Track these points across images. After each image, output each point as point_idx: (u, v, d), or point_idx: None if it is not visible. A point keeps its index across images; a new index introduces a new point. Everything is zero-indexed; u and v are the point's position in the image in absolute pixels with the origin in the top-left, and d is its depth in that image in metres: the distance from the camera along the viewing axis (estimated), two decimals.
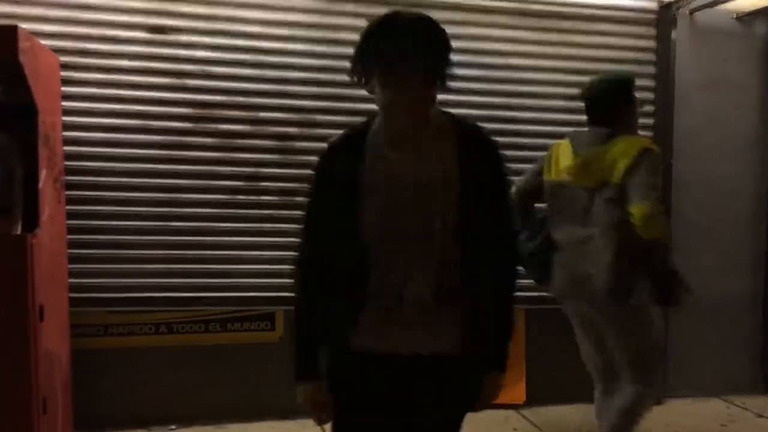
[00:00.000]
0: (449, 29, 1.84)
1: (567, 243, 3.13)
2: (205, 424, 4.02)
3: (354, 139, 1.91)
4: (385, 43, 1.76)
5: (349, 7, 4.09)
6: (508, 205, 2.01)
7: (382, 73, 1.76)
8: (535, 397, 4.44)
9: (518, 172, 3.43)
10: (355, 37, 1.83)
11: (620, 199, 2.91)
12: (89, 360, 3.87)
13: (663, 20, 4.55)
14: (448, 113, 1.94)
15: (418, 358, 1.86)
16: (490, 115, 4.27)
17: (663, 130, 4.58)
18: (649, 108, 4.50)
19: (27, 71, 3.07)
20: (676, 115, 4.63)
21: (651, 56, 4.58)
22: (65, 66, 3.71)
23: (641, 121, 3.60)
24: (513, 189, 3.16)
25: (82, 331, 3.89)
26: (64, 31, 3.77)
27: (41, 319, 3.19)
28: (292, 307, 1.95)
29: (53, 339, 3.38)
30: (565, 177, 3.11)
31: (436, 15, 1.86)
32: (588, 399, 3.44)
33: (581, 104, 3.22)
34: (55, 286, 3.46)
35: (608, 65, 4.39)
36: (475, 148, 1.89)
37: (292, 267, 1.95)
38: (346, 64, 1.87)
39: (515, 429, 4.09)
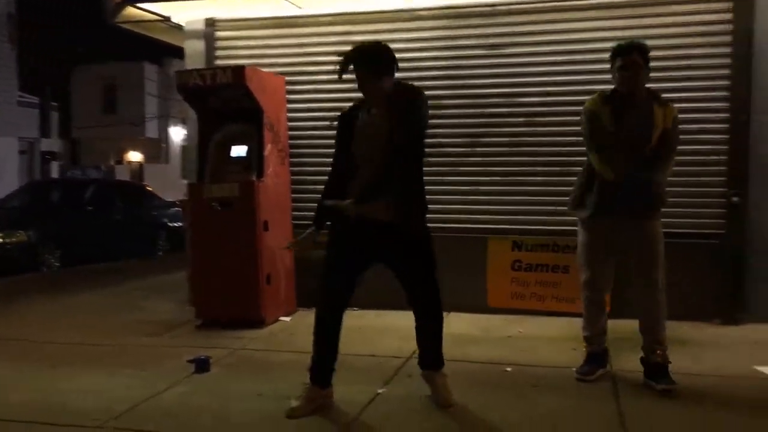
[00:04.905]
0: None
1: None
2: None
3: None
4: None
5: None
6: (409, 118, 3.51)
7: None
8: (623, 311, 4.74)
9: None
10: None
11: None
12: (310, 264, 6.21)
13: None
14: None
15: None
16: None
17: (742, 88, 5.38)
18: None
19: (252, 89, 5.55)
20: (757, 74, 5.33)
21: (728, 16, 5.41)
22: (290, 82, 6.16)
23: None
24: None
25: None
26: (289, 61, 6.27)
27: (266, 228, 5.64)
28: None
29: (276, 241, 5.78)
30: None
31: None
32: None
33: None
34: (278, 211, 5.90)
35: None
36: (401, 96, 3.54)
37: None
38: None
39: None
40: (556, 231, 5.80)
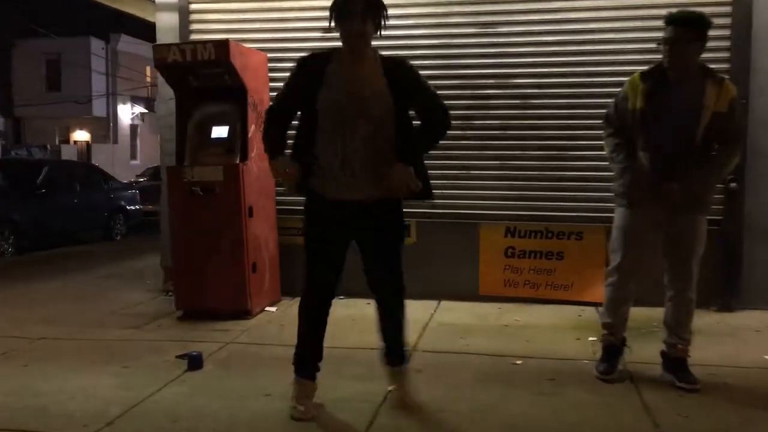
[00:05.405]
0: None
1: None
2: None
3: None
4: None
5: None
6: (427, 93, 3.29)
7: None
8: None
9: None
10: None
11: None
12: (292, 251, 5.96)
13: None
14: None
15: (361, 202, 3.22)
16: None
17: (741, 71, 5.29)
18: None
19: (237, 66, 5.21)
20: (756, 56, 5.26)
21: None
22: (271, 60, 5.83)
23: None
24: None
25: (288, 231, 6.01)
26: (269, 37, 5.93)
27: (250, 215, 5.34)
28: None
29: (260, 228, 5.52)
30: None
31: None
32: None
33: None
34: (262, 196, 5.60)
35: None
36: (396, 68, 3.22)
37: None
38: None
39: (579, 315, 5.25)
40: (551, 216, 5.67)
